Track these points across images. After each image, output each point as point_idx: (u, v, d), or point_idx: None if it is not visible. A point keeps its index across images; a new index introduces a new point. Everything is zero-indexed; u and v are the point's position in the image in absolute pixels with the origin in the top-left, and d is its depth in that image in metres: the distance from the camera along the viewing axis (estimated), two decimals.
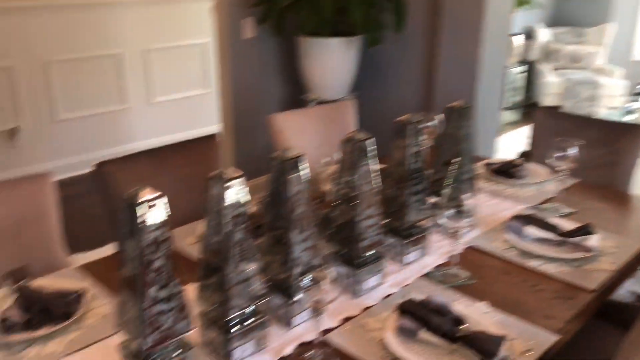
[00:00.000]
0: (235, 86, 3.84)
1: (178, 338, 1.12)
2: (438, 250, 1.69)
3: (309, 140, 2.47)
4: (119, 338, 1.19)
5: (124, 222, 1.05)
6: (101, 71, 4.54)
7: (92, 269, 1.57)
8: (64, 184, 4.25)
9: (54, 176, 1.72)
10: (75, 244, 1.80)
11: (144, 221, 1.04)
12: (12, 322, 1.27)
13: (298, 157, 1.29)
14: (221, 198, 1.15)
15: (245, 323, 1.23)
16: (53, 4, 4.22)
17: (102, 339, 1.28)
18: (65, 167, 4.37)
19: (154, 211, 1.05)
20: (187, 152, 2.04)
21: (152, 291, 1.06)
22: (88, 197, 3.74)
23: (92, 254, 1.72)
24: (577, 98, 6.02)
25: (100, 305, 1.40)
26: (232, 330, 1.20)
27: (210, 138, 2.10)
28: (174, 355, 1.13)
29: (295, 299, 1.32)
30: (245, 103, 3.91)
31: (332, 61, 3.58)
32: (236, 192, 1.16)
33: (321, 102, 3.73)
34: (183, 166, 2.02)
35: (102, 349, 1.25)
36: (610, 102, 5.99)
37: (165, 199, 1.07)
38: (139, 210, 1.03)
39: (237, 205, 1.17)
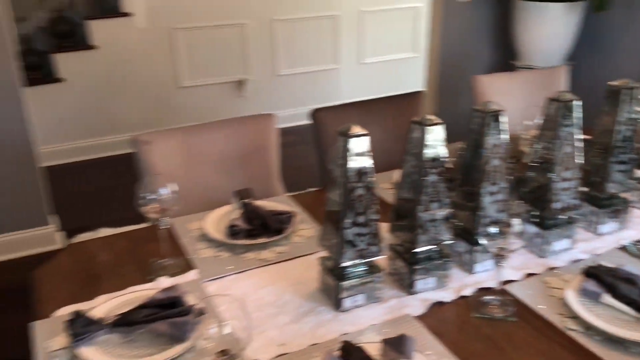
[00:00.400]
0: (443, 49, 3.87)
1: (370, 260, 1.27)
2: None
3: (513, 104, 2.44)
4: (319, 255, 1.39)
5: (337, 151, 1.21)
6: (319, 31, 4.87)
7: (300, 199, 1.80)
8: (280, 133, 4.75)
9: (277, 118, 1.97)
10: (287, 186, 2.06)
11: (351, 151, 1.19)
12: (238, 229, 1.53)
13: (499, 111, 1.34)
14: (421, 141, 1.26)
15: (430, 260, 1.34)
16: None
17: (306, 255, 1.49)
18: (283, 118, 4.83)
19: (360, 145, 1.19)
20: (393, 106, 2.18)
21: (352, 215, 1.22)
22: (301, 146, 4.13)
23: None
24: None
25: (306, 228, 1.62)
26: (418, 264, 1.32)
27: (416, 94, 2.21)
28: (364, 274, 1.28)
29: (479, 246, 1.39)
30: (452, 67, 3.92)
31: (550, 27, 3.42)
32: (435, 137, 1.26)
33: (530, 70, 3.60)
34: (389, 118, 2.16)
35: (305, 262, 1.46)
36: None
37: (368, 138, 1.20)
38: (349, 142, 1.18)
39: (434, 149, 1.26)
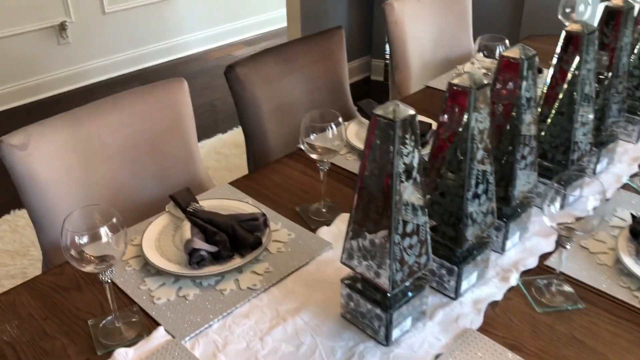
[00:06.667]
0: None
1: (420, 273, 0.97)
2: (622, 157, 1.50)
3: (425, 30, 2.20)
4: (331, 270, 1.05)
5: (380, 140, 0.85)
6: None
7: (244, 187, 1.40)
8: (116, 83, 4.06)
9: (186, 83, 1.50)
10: None
11: (404, 142, 0.84)
12: (201, 254, 1.11)
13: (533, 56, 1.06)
14: (468, 108, 0.95)
15: (472, 252, 1.07)
16: None
17: (300, 268, 1.14)
18: (116, 64, 4.16)
19: (409, 133, 0.85)
20: (312, 49, 1.80)
21: (402, 223, 0.89)
22: None
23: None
24: None
25: (277, 229, 1.25)
26: (464, 262, 1.05)
27: (334, 31, 1.85)
28: (411, 293, 0.98)
29: (511, 220, 1.15)
30: None
31: None
32: (484, 100, 0.96)
33: None
34: (309, 64, 1.79)
35: (303, 279, 1.11)
36: None
37: (417, 118, 0.86)
38: (399, 130, 0.83)
39: (482, 117, 0.96)
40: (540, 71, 1.87)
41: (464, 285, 1.07)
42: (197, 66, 4.45)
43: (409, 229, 0.91)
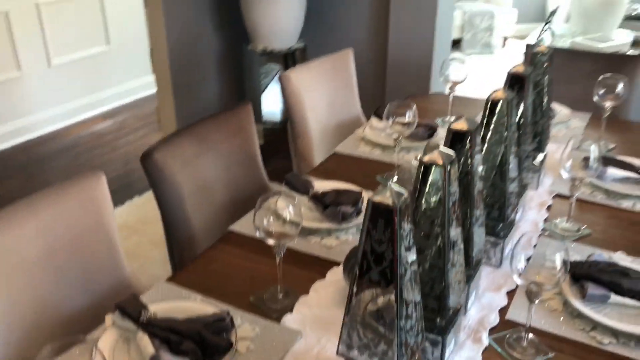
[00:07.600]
0: (169, 40, 3.41)
1: (418, 352, 0.96)
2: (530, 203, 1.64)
3: (321, 98, 2.26)
4: None
5: (379, 226, 0.84)
6: None
7: (185, 283, 1.30)
8: None
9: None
10: None
11: (403, 225, 0.84)
12: None
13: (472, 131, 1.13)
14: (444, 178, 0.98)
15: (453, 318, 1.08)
16: None
17: None
18: None
19: (406, 215, 0.85)
20: (223, 126, 1.76)
21: (405, 306, 0.88)
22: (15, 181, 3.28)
23: None
24: (475, 29, 6.24)
25: (238, 325, 1.17)
26: (447, 331, 1.06)
27: (242, 107, 1.83)
28: None
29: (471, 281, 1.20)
30: (181, 59, 3.51)
31: (280, 6, 3.30)
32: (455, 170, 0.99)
33: (270, 53, 3.46)
34: (222, 141, 1.74)
35: None
36: (505, 31, 6.31)
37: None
38: (400, 214, 0.83)
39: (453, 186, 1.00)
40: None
41: (446, 353, 1.08)
42: (55, 146, 4.13)
43: (409, 310, 0.90)
